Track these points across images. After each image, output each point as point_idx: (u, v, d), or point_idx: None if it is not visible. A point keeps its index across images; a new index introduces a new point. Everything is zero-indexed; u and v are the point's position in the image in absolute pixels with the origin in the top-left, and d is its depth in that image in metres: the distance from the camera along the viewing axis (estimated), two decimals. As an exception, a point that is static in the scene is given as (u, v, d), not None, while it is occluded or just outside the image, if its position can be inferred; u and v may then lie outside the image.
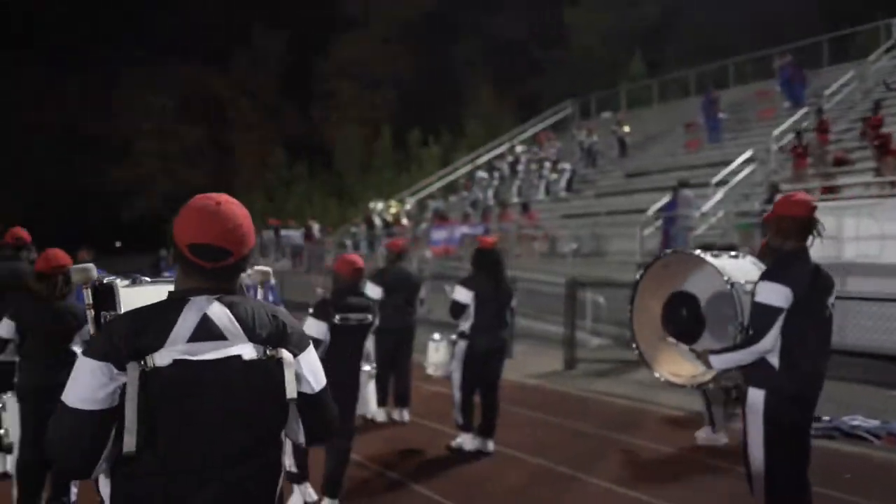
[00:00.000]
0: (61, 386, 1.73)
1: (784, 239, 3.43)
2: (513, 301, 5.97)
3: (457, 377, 5.88)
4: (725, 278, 3.83)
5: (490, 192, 22.27)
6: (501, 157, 25.19)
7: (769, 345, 3.30)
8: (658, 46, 34.75)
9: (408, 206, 22.59)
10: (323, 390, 1.99)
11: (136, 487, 1.73)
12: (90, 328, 2.21)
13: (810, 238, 3.41)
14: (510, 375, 9.54)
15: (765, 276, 3.39)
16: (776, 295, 3.29)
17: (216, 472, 1.74)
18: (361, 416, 6.93)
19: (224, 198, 1.86)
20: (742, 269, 3.99)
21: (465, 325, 5.79)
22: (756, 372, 3.40)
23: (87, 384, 1.69)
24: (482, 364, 5.81)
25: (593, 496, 4.91)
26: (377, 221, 22.95)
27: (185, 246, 1.80)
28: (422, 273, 17.27)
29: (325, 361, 4.44)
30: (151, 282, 2.32)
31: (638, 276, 4.50)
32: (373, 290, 6.93)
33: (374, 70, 42.13)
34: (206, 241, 1.78)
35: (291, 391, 1.82)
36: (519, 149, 24.30)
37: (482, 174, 23.68)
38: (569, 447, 6.01)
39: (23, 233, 5.47)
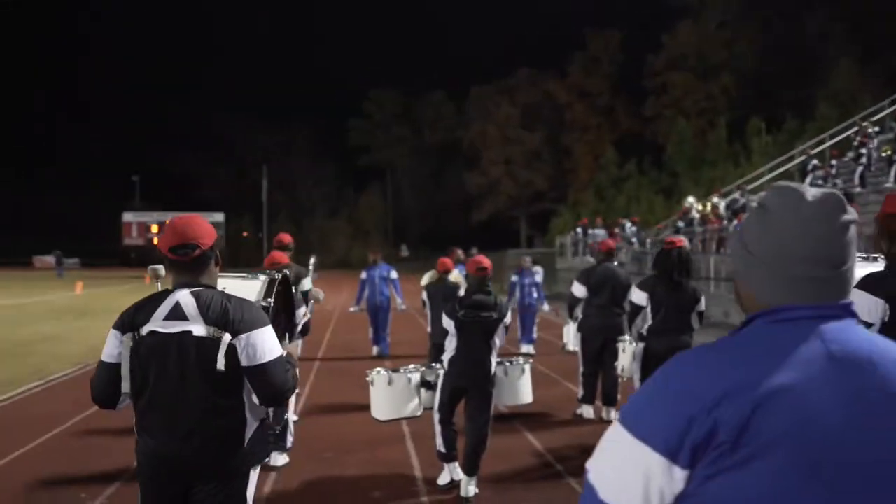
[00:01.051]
0: None
1: (890, 241, 2.92)
2: (700, 305, 5.64)
3: (637, 379, 5.81)
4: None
5: (828, 182, 19.66)
6: (848, 141, 22.01)
7: None
8: None
9: (721, 203, 21.14)
10: (270, 364, 2.51)
11: (141, 419, 2.56)
12: None
13: None
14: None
15: (857, 284, 2.93)
16: (861, 304, 2.84)
17: (185, 414, 2.46)
18: (574, 413, 7.18)
19: (187, 215, 2.66)
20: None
21: (644, 327, 5.71)
22: None
23: (109, 345, 2.57)
24: (662, 367, 5.63)
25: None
26: (695, 216, 22.27)
27: (168, 251, 2.55)
28: (718, 274, 16.23)
29: (457, 353, 4.96)
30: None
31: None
32: (578, 289, 7.12)
33: (709, 58, 39.82)
34: (180, 242, 2.52)
35: (220, 365, 2.45)
36: (870, 130, 20.95)
37: (815, 162, 21.03)
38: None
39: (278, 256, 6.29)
